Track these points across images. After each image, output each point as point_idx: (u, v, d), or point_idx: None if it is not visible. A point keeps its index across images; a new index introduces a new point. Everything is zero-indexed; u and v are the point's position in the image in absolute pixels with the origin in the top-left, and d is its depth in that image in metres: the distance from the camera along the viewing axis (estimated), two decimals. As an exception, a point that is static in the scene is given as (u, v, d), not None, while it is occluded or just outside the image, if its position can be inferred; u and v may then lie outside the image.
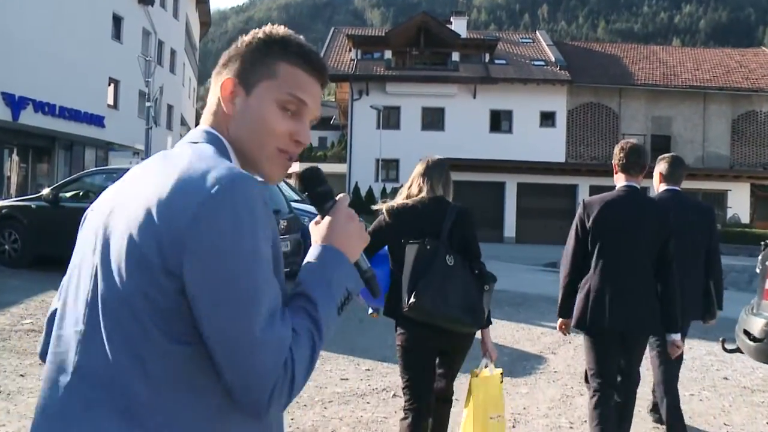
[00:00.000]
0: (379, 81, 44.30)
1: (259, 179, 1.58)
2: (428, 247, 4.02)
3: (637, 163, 4.79)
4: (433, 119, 44.18)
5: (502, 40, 49.67)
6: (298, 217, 11.43)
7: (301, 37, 1.67)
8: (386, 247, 4.27)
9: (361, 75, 44.24)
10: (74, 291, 1.51)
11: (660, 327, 4.71)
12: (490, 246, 18.83)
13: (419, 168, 4.41)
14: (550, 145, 42.56)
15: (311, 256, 1.57)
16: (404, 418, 4.23)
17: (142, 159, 17.16)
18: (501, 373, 4.51)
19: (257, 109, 1.59)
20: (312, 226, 1.67)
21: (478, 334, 4.44)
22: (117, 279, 1.39)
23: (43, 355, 1.63)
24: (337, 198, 1.69)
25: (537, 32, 54.44)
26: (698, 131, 44.39)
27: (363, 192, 41.69)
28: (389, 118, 43.69)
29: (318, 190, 1.68)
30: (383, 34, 48.44)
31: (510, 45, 49.34)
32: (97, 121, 34.61)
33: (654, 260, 4.61)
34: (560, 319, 4.98)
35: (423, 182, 4.33)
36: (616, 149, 4.90)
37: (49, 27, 29.46)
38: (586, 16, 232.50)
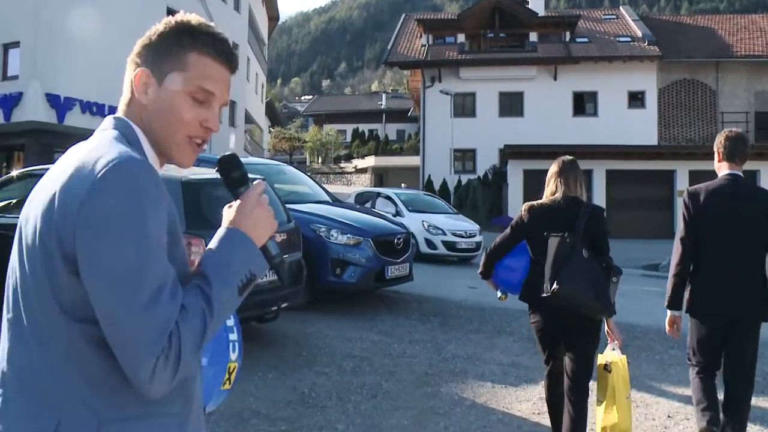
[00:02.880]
0: (452, 66, 42.25)
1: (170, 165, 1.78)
2: (568, 240, 4.49)
3: (742, 152, 4.89)
4: (511, 104, 41.92)
5: (583, 17, 46.55)
6: (299, 230, 8.15)
7: (212, 24, 1.77)
8: (524, 240, 4.85)
9: (433, 61, 42.12)
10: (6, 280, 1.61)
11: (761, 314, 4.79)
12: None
13: (554, 168, 4.86)
14: (640, 128, 39.64)
15: (216, 237, 1.65)
16: (546, 382, 5.04)
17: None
18: (625, 358, 4.78)
19: (168, 100, 1.68)
20: (225, 210, 1.72)
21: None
22: (27, 264, 1.53)
23: None
24: (253, 183, 1.75)
25: (621, 7, 50.81)
26: (808, 106, 40.80)
27: (437, 185, 39.54)
28: (464, 106, 41.79)
29: (232, 176, 1.75)
30: (455, 17, 45.93)
31: (592, 22, 46.16)
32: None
33: (762, 247, 4.75)
34: (669, 313, 4.97)
35: (559, 182, 4.78)
36: (720, 138, 4.95)
37: (97, 23, 27.65)
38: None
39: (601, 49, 41.68)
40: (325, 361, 7.31)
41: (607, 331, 4.75)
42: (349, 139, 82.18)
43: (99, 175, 1.45)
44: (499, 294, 5.19)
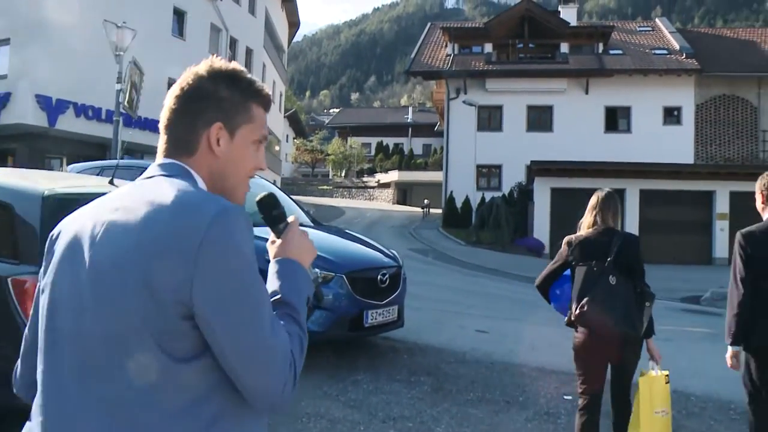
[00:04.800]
0: (478, 77, 40.51)
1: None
2: (595, 269, 4.87)
3: None
4: (540, 119, 40.25)
5: (617, 29, 44.48)
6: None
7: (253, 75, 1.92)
8: (568, 270, 5.19)
9: (458, 71, 40.32)
10: (61, 323, 1.63)
11: None
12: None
13: (593, 201, 5.24)
14: (676, 145, 37.65)
15: (278, 269, 1.82)
16: (580, 411, 5.09)
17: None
18: (666, 374, 5.04)
19: (241, 151, 1.83)
20: (269, 245, 1.90)
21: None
22: (118, 311, 1.55)
23: (20, 390, 1.81)
24: (289, 220, 1.94)
25: (656, 20, 48.53)
26: None
27: (459, 202, 37.63)
28: (490, 119, 40.12)
29: (273, 214, 1.94)
30: (482, 26, 43.89)
31: (626, 34, 44.17)
32: (154, 126, 31.16)
33: None
34: (732, 348, 4.94)
35: (596, 214, 5.15)
36: (764, 180, 5.04)
37: (96, 21, 25.96)
38: (702, 16, 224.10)
39: (636, 62, 39.71)
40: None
41: (648, 351, 5.10)
42: (373, 152, 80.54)
43: (213, 217, 1.55)
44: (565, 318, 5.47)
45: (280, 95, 58.98)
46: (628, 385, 5.14)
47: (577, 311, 4.83)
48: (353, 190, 72.09)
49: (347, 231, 9.83)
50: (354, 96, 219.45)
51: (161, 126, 1.82)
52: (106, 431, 1.51)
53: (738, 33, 45.31)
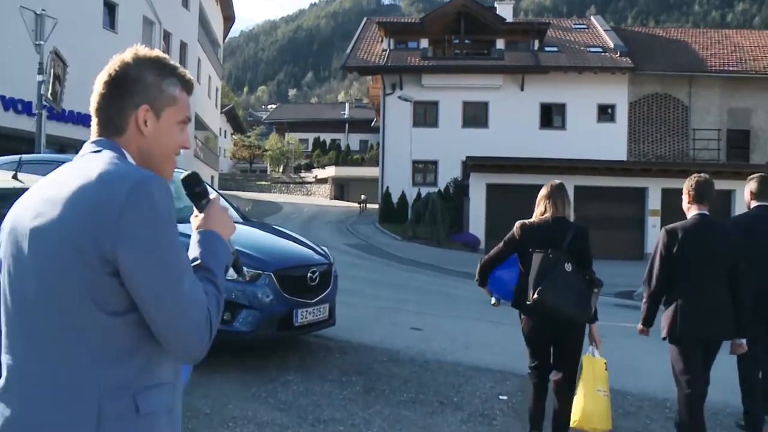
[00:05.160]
0: (414, 73, 40.37)
1: None
2: (551, 255, 5.11)
3: (710, 195, 5.49)
4: (476, 115, 40.26)
5: (553, 26, 44.74)
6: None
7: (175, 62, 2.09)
8: (516, 254, 5.47)
9: (394, 66, 40.08)
10: (10, 293, 1.83)
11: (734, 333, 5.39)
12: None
13: (544, 191, 5.49)
14: (610, 143, 38.07)
15: (198, 239, 1.99)
16: (532, 377, 5.54)
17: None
18: (605, 362, 5.39)
19: (167, 131, 2.00)
20: (192, 218, 2.05)
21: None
22: (51, 272, 1.73)
23: None
24: (210, 197, 2.08)
25: (592, 17, 48.97)
26: (784, 125, 39.31)
27: (395, 198, 37.43)
28: (426, 115, 39.97)
29: (196, 191, 2.07)
30: (418, 21, 43.74)
31: (562, 31, 44.40)
32: (86, 120, 30.39)
33: (728, 277, 5.33)
34: (642, 326, 5.65)
35: (549, 204, 5.39)
36: (691, 182, 5.52)
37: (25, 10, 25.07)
38: (635, 16, 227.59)
39: (571, 59, 39.93)
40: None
41: (589, 335, 5.42)
42: (310, 148, 79.97)
43: (133, 186, 1.71)
44: (493, 300, 5.79)
45: (217, 90, 57.87)
46: (576, 365, 5.37)
47: (536, 295, 5.03)
48: (291, 185, 71.46)
49: (277, 227, 9.45)
50: (292, 92, 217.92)
51: (92, 109, 1.99)
52: (50, 382, 1.73)
53: (670, 33, 45.91)
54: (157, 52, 2.03)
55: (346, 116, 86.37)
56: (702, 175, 5.64)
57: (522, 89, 39.55)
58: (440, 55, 41.97)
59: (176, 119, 2.01)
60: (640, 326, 5.65)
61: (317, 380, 7.10)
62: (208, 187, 2.20)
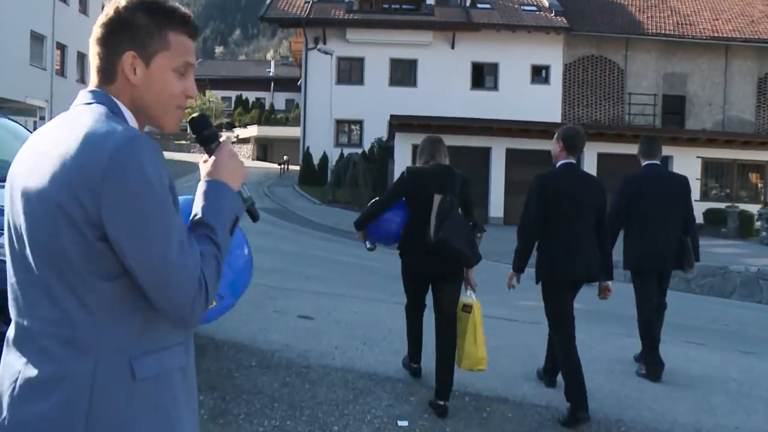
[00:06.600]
0: (339, 27, 38.11)
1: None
2: (449, 198, 5.31)
3: (579, 145, 5.86)
4: (404, 73, 38.30)
5: (487, -18, 42.56)
6: None
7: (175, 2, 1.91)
8: (404, 198, 5.67)
9: (316, 19, 37.74)
10: (15, 248, 1.77)
11: (602, 274, 5.79)
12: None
13: (426, 142, 5.85)
14: (543, 105, 36.28)
15: (202, 190, 1.87)
16: (410, 313, 5.89)
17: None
18: (478, 303, 5.55)
19: (158, 78, 1.85)
20: (201, 164, 1.95)
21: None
22: (45, 233, 1.68)
23: None
24: (221, 140, 1.98)
25: (527, -25, 47.25)
26: (718, 91, 38.50)
27: (316, 159, 35.18)
28: (351, 72, 38.02)
29: (204, 134, 1.96)
30: (344, -29, 41.38)
31: (496, -12, 42.29)
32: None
33: (594, 222, 5.70)
34: (513, 273, 5.86)
35: (435, 152, 5.71)
36: (561, 132, 5.91)
37: None
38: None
39: (504, 17, 38.11)
40: None
41: (465, 278, 5.59)
42: (233, 107, 77.01)
43: (117, 146, 1.63)
44: (368, 245, 5.86)
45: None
46: (455, 305, 5.52)
47: (440, 235, 5.18)
48: (211, 145, 68.81)
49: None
50: (219, 49, 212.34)
51: (89, 55, 1.88)
52: (49, 339, 1.68)
53: (606, -7, 44.53)
54: None
55: (271, 74, 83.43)
56: (575, 126, 6.15)
57: (453, 47, 37.72)
58: (367, 8, 39.78)
59: (171, 66, 1.87)
60: (511, 274, 5.90)
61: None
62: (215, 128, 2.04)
